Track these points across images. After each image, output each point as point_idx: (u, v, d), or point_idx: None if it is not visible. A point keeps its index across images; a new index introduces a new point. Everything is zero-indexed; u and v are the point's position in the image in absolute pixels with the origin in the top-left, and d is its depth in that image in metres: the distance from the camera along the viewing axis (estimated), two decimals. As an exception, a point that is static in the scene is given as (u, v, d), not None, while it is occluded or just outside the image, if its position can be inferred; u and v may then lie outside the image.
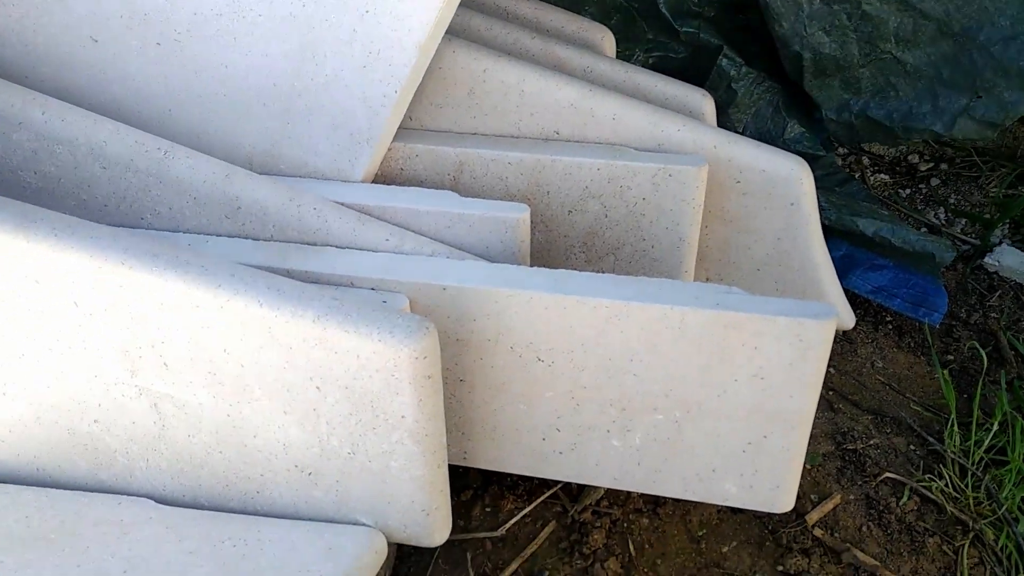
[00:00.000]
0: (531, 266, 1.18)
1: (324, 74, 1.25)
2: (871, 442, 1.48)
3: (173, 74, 1.27)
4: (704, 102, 1.57)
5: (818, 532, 1.32)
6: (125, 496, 1.05)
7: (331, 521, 1.04)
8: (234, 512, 1.06)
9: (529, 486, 1.36)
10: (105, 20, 1.26)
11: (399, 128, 1.35)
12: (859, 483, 1.41)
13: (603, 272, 1.41)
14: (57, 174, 1.20)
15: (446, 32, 1.31)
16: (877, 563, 1.27)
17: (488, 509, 1.33)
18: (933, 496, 1.38)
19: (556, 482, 1.35)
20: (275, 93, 1.27)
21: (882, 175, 2.18)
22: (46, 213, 0.99)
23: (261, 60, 1.25)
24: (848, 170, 2.19)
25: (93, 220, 1.14)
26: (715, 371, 1.09)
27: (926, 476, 1.41)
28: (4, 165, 1.20)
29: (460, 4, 1.31)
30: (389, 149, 1.36)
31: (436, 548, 1.28)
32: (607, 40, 1.77)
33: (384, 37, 1.22)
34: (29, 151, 1.19)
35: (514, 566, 1.27)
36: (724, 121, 2.04)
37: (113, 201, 1.20)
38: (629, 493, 1.34)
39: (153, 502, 1.04)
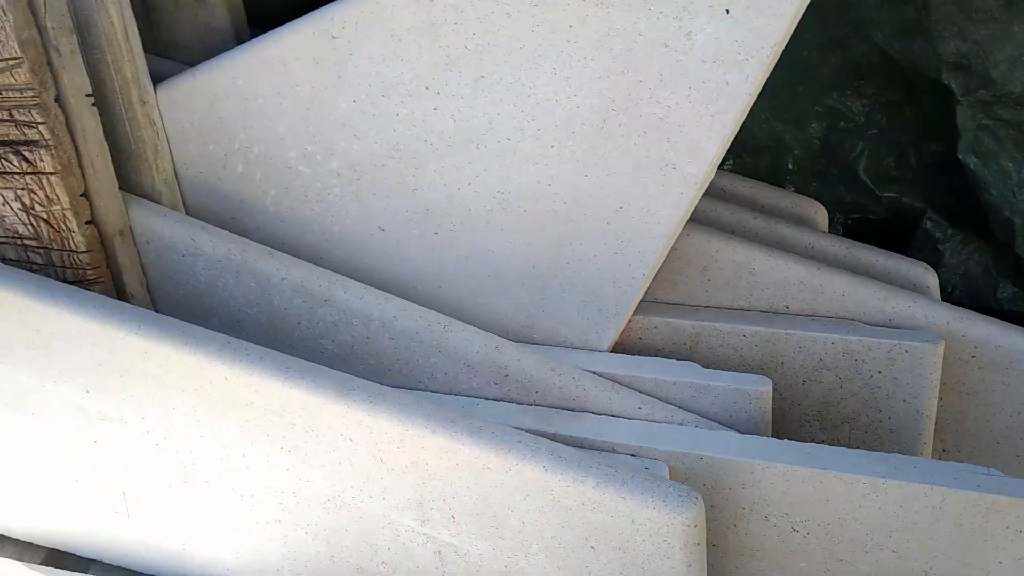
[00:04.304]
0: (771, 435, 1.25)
1: (579, 259, 1.40)
2: None
3: (446, 258, 1.47)
4: (927, 276, 1.62)
5: None
6: (410, 637, 1.16)
7: None
8: (511, 662, 1.14)
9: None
10: (392, 214, 1.48)
11: (638, 302, 1.47)
12: None
13: (839, 441, 1.45)
14: (351, 343, 1.40)
15: (681, 216, 1.45)
16: None
17: None
18: None
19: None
20: (534, 274, 1.43)
21: (1112, 341, 2.09)
22: (361, 382, 1.17)
23: (523, 248, 1.43)
24: (1071, 334, 2.12)
25: (377, 382, 1.31)
26: (976, 552, 1.09)
27: None
28: (308, 334, 1.42)
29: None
30: (629, 321, 1.49)
31: None
32: (820, 213, 1.86)
33: (635, 229, 1.36)
34: (330, 323, 1.40)
35: None
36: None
37: (397, 366, 1.38)
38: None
39: (438, 645, 1.15)
